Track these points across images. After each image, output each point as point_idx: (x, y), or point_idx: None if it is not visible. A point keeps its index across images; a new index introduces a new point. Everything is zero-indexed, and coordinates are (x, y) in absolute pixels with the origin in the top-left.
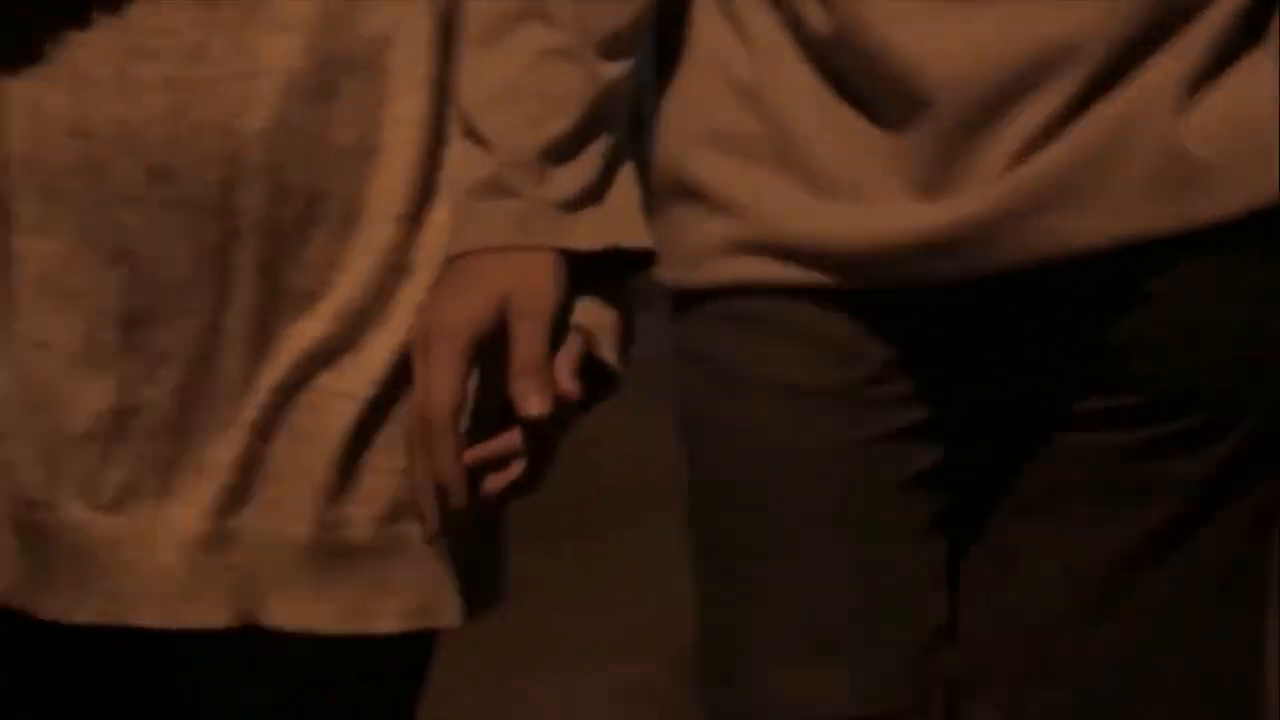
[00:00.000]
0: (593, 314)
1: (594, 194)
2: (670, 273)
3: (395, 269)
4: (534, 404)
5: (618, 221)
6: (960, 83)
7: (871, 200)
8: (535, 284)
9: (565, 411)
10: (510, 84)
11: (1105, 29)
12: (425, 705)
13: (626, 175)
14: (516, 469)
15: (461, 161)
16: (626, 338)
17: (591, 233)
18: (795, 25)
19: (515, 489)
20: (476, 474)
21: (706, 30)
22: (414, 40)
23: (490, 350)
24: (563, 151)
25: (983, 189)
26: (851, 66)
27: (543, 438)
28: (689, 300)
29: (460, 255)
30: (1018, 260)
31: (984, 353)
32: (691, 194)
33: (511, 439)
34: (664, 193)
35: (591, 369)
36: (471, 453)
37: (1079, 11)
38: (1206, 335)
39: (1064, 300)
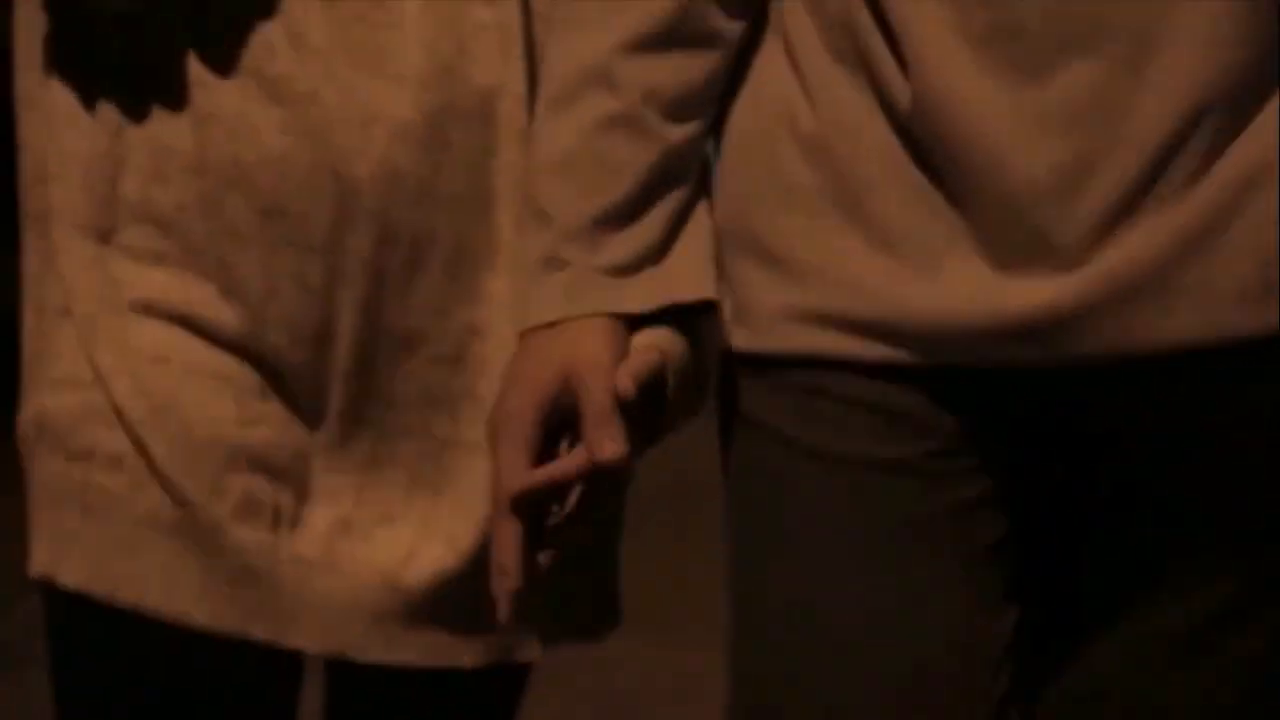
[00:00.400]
0: (663, 340)
1: (653, 256)
2: (733, 333)
3: (511, 320)
4: (608, 448)
5: (676, 279)
6: (1033, 149)
7: (947, 271)
8: (590, 352)
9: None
10: (568, 154)
11: (1183, 95)
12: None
13: (695, 228)
14: (572, 500)
15: (527, 237)
16: (700, 376)
17: (645, 294)
18: (875, 88)
19: (573, 528)
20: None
21: (772, 78)
22: (514, 92)
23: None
24: (620, 218)
25: (1065, 273)
26: (926, 132)
27: (611, 480)
28: (749, 362)
29: (523, 334)
30: (1099, 351)
31: (1055, 435)
32: (757, 253)
33: (566, 465)
34: (728, 245)
35: (659, 400)
36: (528, 476)
37: (1155, 76)
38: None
39: (1141, 393)
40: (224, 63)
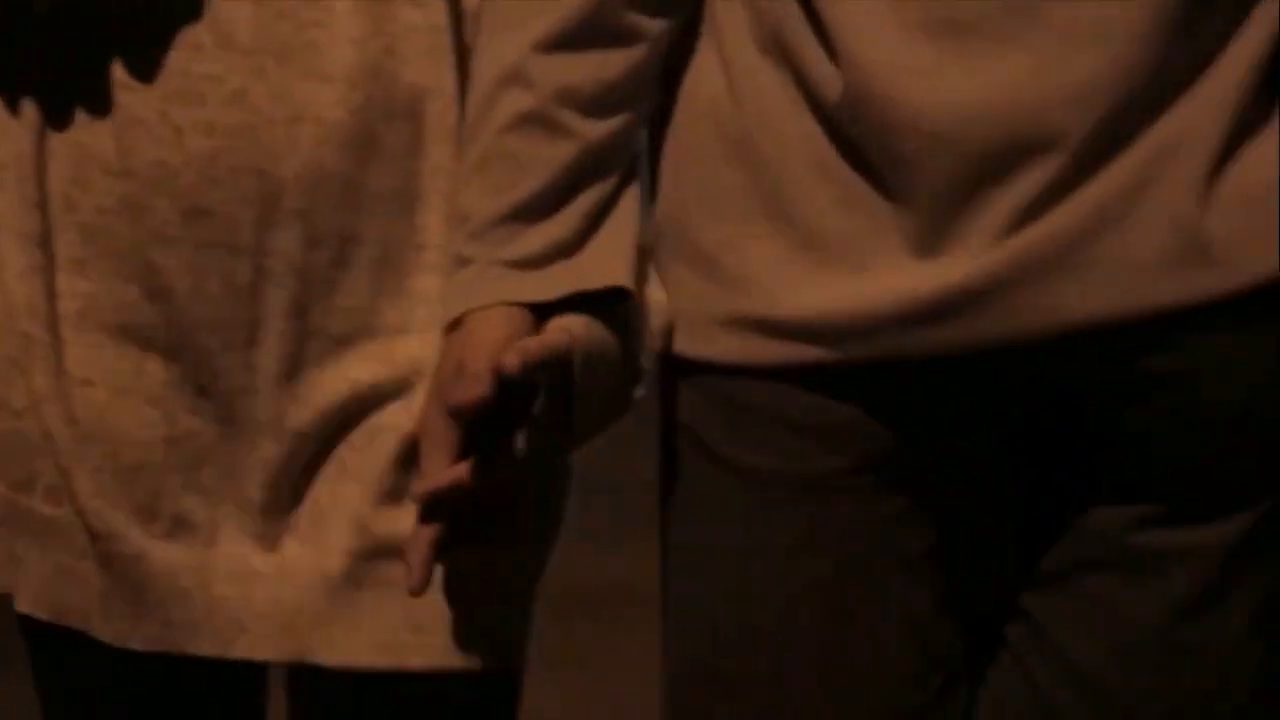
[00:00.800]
0: (574, 324)
1: (567, 250)
2: (673, 337)
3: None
4: (458, 392)
5: (587, 269)
6: (962, 138)
7: (866, 262)
8: (479, 338)
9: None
10: (483, 153)
11: (1110, 87)
12: None
13: (618, 221)
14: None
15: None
16: (627, 368)
17: (550, 284)
18: (801, 80)
19: (483, 531)
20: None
21: (703, 78)
22: (443, 93)
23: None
24: (531, 213)
25: (978, 253)
26: (855, 122)
27: (504, 468)
28: (682, 367)
29: (443, 338)
30: (1013, 331)
31: (981, 432)
32: (688, 258)
33: (456, 471)
34: (665, 248)
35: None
36: (434, 478)
37: (1084, 68)
38: (1212, 414)
39: (1064, 377)
40: (150, 69)
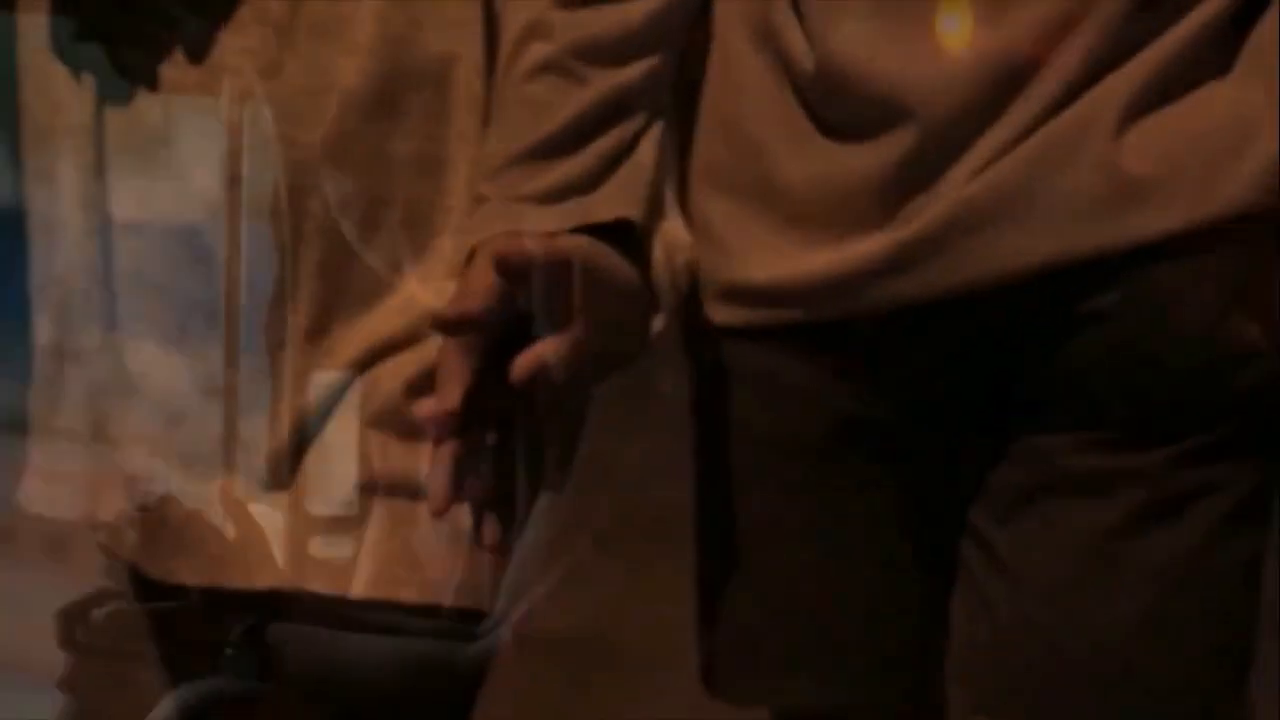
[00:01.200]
0: (580, 241)
1: (580, 187)
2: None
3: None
4: (445, 308)
5: (597, 203)
6: (930, 108)
7: (841, 232)
8: (486, 260)
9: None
10: (505, 102)
11: (1076, 65)
12: None
13: (636, 160)
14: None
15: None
16: (630, 296)
17: (557, 217)
18: (783, 63)
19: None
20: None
21: (710, 62)
22: (470, 61)
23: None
24: (548, 152)
25: (930, 209)
26: (828, 99)
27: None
28: (691, 331)
29: None
30: (963, 279)
31: (938, 380)
32: (696, 230)
33: (465, 394)
34: (693, 225)
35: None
36: (449, 399)
37: (1047, 39)
38: (1148, 350)
39: (1008, 319)
40: (202, 50)
